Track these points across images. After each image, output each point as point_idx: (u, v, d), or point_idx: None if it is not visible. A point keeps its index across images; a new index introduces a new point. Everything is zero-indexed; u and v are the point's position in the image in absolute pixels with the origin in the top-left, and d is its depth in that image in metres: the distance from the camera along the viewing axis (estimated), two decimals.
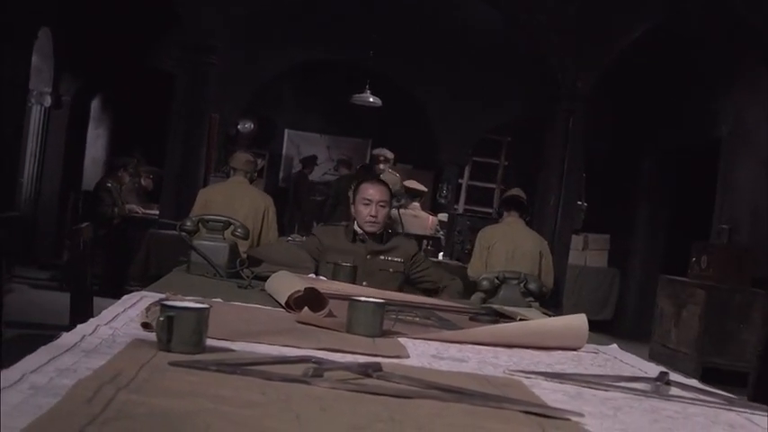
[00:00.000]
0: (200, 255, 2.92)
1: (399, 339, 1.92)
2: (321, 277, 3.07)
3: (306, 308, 2.03)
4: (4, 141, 7.32)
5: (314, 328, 1.94)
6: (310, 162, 12.07)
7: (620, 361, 2.04)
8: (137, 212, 8.47)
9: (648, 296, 8.76)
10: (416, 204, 7.11)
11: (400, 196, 6.77)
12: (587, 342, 2.13)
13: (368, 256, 3.45)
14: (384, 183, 3.70)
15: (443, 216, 7.96)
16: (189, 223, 3.06)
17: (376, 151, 8.45)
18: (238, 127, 11.69)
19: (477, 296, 3.38)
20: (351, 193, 3.84)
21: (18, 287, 7.40)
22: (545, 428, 1.20)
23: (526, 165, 10.56)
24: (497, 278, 2.97)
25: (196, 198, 5.70)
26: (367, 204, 3.47)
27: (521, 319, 2.43)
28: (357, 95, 10.22)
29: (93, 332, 1.56)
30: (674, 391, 1.64)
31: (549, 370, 1.72)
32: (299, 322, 1.99)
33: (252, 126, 11.89)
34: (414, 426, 1.14)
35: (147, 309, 1.71)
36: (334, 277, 2.99)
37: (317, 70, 11.27)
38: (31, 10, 7.66)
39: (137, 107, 10.31)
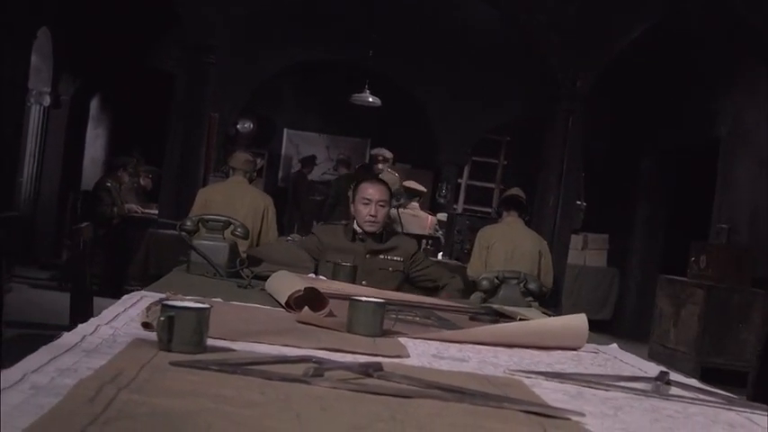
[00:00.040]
0: (199, 254, 2.92)
1: (400, 339, 1.92)
2: (321, 277, 3.08)
3: (306, 307, 2.03)
4: (3, 141, 7.33)
5: (314, 327, 1.94)
6: (309, 162, 12.07)
7: (620, 361, 2.04)
8: (136, 212, 8.46)
9: (647, 296, 8.76)
10: (415, 204, 7.11)
11: (399, 196, 6.78)
12: (587, 342, 2.13)
13: (367, 255, 3.45)
14: (384, 182, 3.70)
15: (443, 216, 7.97)
16: (189, 223, 3.06)
17: (375, 151, 8.46)
18: (237, 127, 11.69)
19: (476, 296, 3.39)
20: (350, 193, 3.85)
21: (17, 287, 7.40)
22: (546, 428, 1.21)
23: (525, 164, 10.56)
24: (497, 278, 2.97)
25: (195, 198, 5.70)
26: (366, 204, 3.47)
27: (521, 319, 2.43)
28: (356, 95, 10.22)
29: (94, 332, 1.56)
30: (675, 390, 1.64)
31: (549, 370, 1.72)
32: (299, 322, 1.99)
33: (251, 126, 11.89)
34: (415, 425, 1.14)
35: (148, 308, 1.71)
36: (333, 277, 2.99)
37: (317, 70, 11.27)
38: (31, 9, 7.67)
39: (136, 107, 10.31)
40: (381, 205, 3.49)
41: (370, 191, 3.50)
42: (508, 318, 2.53)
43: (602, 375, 1.71)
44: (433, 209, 8.96)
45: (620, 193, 10.14)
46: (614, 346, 2.23)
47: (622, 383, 1.64)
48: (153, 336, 1.50)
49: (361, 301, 1.95)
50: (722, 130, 8.42)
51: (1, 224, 7.00)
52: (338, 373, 1.40)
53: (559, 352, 2.02)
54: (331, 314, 2.08)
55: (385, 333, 1.94)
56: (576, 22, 7.83)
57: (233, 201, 5.35)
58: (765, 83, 7.53)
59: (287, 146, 12.55)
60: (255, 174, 6.12)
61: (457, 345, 1.94)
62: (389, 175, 7.27)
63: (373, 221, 3.48)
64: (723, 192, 8.24)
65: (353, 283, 2.96)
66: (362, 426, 1.11)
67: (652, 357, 6.91)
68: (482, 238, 5.63)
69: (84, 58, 9.65)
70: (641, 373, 1.83)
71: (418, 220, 7.02)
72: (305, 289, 2.16)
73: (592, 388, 1.59)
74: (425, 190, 7.64)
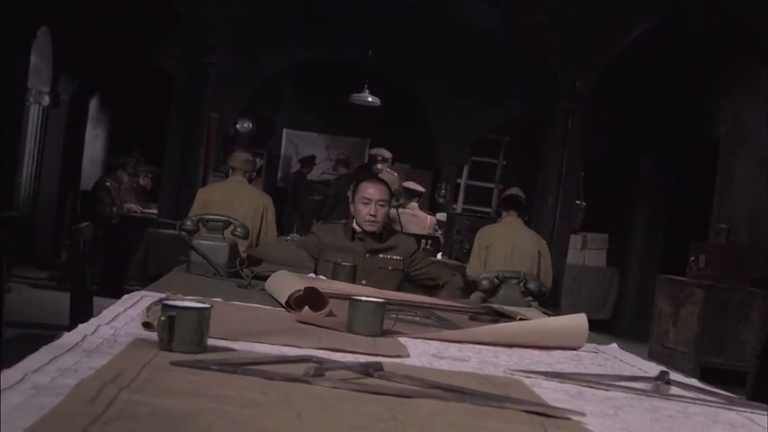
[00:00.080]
0: (199, 254, 2.92)
1: (400, 339, 1.92)
2: (321, 276, 3.08)
3: (306, 307, 2.03)
4: (2, 141, 7.33)
5: (314, 327, 1.94)
6: (309, 162, 12.07)
7: (621, 360, 2.04)
8: (135, 212, 8.46)
9: (647, 296, 8.77)
10: (415, 204, 7.12)
11: (399, 196, 6.78)
12: (587, 341, 2.13)
13: (367, 255, 3.45)
14: (383, 182, 3.70)
15: (442, 216, 7.97)
16: (189, 223, 3.06)
17: (374, 151, 8.46)
18: (237, 126, 11.70)
19: (476, 295, 3.38)
20: (350, 193, 3.85)
21: (17, 287, 7.39)
22: (546, 428, 1.21)
23: (525, 164, 10.57)
24: (497, 278, 2.97)
25: (195, 197, 5.70)
26: (366, 203, 3.48)
27: (521, 319, 2.43)
28: (356, 95, 10.22)
29: (95, 332, 1.56)
30: (675, 390, 1.64)
31: (549, 369, 1.72)
32: (299, 322, 1.99)
33: (250, 125, 11.89)
34: (415, 425, 1.14)
35: (148, 308, 1.71)
36: (333, 276, 2.99)
37: (316, 70, 11.27)
38: (30, 9, 7.67)
39: (135, 107, 10.30)
40: (381, 205, 3.49)
41: (370, 190, 3.50)
42: (508, 317, 2.53)
43: (602, 375, 1.71)
44: (432, 209, 8.97)
45: (619, 193, 10.14)
46: (614, 345, 2.23)
47: (622, 383, 1.64)
48: (153, 336, 1.50)
49: (361, 300, 1.95)
50: (722, 130, 8.42)
51: (0, 224, 7.00)
52: (339, 372, 1.40)
53: (559, 352, 2.02)
54: (331, 314, 2.08)
55: (385, 333, 1.94)
56: (576, 22, 7.83)
57: (232, 200, 5.36)
58: (765, 83, 7.53)
59: (286, 146, 12.55)
60: (255, 173, 6.12)
61: (457, 344, 1.94)
62: (389, 174, 7.27)
63: (373, 221, 3.48)
64: (723, 192, 8.25)
65: (353, 282, 2.96)
66: (363, 425, 1.11)
67: (651, 357, 6.91)
68: (481, 238, 5.63)
69: (84, 58, 9.65)
70: (641, 373, 1.83)
71: (417, 220, 7.03)
72: (305, 289, 2.16)
73: (592, 388, 1.59)
74: (424, 190, 7.64)
